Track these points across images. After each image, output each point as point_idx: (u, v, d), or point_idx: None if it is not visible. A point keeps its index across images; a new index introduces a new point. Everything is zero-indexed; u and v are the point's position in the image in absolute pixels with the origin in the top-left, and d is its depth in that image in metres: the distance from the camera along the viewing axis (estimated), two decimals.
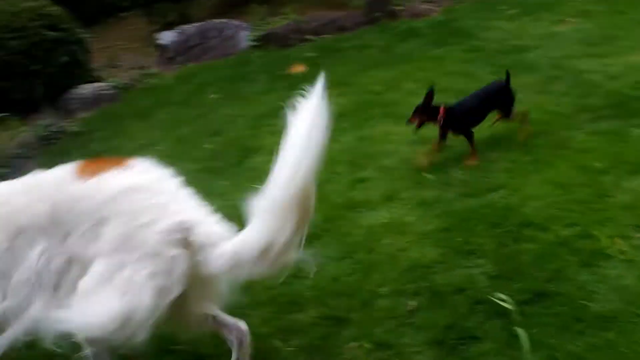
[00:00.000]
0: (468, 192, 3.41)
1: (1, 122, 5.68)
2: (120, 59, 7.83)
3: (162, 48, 7.35)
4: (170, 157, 4.76)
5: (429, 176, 3.60)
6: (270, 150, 4.49)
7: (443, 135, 3.80)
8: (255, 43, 7.20)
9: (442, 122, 3.73)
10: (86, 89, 6.51)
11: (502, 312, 2.47)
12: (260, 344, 2.64)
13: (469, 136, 3.76)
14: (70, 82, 6.49)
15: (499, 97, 3.87)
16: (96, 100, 6.46)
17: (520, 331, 2.34)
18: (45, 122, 5.88)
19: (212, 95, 5.95)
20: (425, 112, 3.74)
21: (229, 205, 3.86)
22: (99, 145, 5.61)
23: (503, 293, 2.53)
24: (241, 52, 7.19)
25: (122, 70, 7.40)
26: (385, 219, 3.30)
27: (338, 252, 3.11)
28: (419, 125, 3.78)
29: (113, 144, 5.60)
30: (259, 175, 4.11)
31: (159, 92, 6.53)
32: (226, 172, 4.38)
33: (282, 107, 5.84)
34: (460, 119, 3.79)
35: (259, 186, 4.00)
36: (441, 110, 3.72)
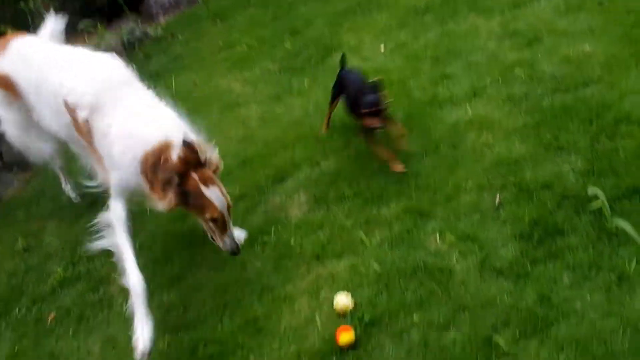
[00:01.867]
0: (559, 88, 3.22)
1: (86, 28, 5.86)
2: None
3: None
4: (249, 57, 4.85)
5: (518, 71, 3.42)
6: (350, 47, 4.46)
7: None
8: None
9: None
10: None
11: (592, 208, 2.41)
12: (345, 236, 2.73)
13: None
14: None
15: None
16: (176, 3, 6.50)
17: (624, 223, 2.26)
18: (128, 27, 6.01)
19: None
20: None
21: (310, 102, 3.90)
22: (180, 48, 5.70)
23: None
24: None
25: None
26: (470, 115, 3.21)
27: (421, 148, 3.08)
28: None
29: (193, 45, 5.66)
30: None
31: None
32: (306, 70, 4.35)
33: (360, 4, 5.62)
34: None
35: None
36: None
